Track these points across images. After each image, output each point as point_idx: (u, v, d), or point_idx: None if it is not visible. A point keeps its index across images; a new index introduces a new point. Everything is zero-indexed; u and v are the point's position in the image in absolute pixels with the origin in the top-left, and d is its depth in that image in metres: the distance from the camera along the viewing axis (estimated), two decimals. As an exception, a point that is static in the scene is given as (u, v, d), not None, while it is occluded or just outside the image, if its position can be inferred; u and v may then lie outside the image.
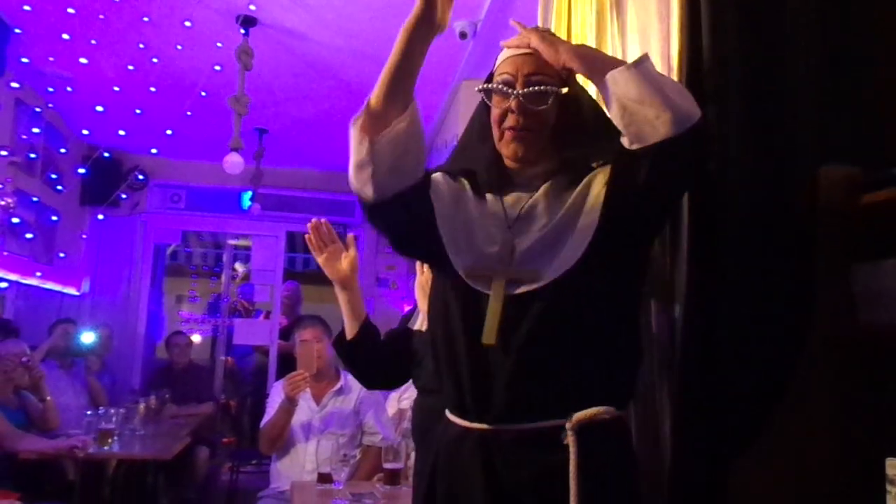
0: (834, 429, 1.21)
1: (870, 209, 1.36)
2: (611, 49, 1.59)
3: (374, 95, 1.16)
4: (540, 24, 1.92)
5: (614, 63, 1.16)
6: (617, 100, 1.11)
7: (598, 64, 1.17)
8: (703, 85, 1.28)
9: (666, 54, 1.35)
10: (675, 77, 1.31)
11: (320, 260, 1.89)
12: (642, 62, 1.11)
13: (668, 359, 1.30)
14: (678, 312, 1.26)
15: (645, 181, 1.12)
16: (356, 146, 1.17)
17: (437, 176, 1.31)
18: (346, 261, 1.88)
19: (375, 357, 1.92)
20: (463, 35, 3.38)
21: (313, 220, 1.89)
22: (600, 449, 1.12)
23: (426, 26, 1.12)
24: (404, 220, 1.24)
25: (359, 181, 1.19)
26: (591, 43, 1.64)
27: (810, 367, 1.22)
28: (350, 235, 1.93)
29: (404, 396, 3.14)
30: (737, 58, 1.27)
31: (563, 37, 1.77)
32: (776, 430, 1.19)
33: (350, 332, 1.87)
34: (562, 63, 1.18)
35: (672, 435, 1.24)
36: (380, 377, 2.05)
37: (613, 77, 1.11)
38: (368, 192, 1.19)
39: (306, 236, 1.91)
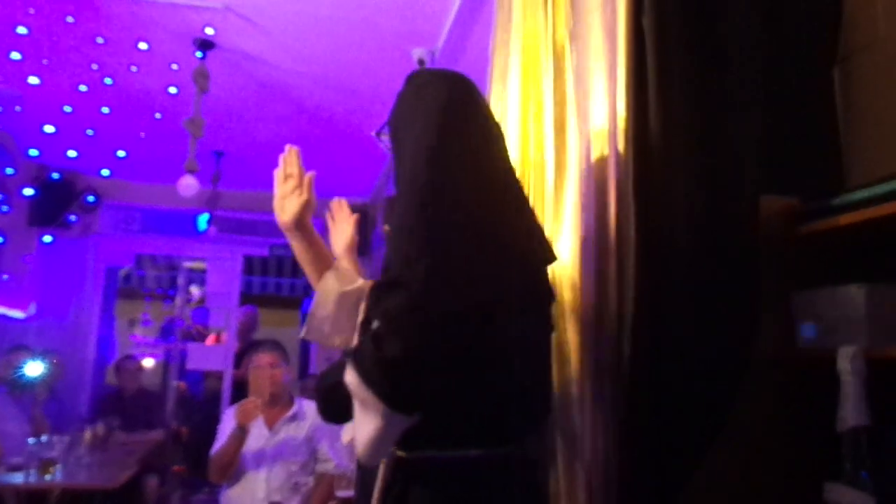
0: (774, 453, 1.24)
1: (807, 239, 1.42)
2: (569, 91, 1.59)
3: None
4: (491, 57, 1.88)
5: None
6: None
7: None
8: (650, 123, 1.31)
9: (612, 96, 1.38)
10: (622, 119, 1.33)
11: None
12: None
13: (600, 388, 1.32)
14: (625, 339, 1.27)
15: None
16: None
17: None
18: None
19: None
20: (421, 63, 3.42)
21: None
22: (409, 488, 1.09)
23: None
24: None
25: None
26: (548, 84, 1.65)
27: (751, 392, 1.25)
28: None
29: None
30: (681, 99, 1.32)
31: (519, 76, 1.75)
32: (716, 456, 1.21)
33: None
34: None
35: (619, 462, 1.26)
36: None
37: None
38: None
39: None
